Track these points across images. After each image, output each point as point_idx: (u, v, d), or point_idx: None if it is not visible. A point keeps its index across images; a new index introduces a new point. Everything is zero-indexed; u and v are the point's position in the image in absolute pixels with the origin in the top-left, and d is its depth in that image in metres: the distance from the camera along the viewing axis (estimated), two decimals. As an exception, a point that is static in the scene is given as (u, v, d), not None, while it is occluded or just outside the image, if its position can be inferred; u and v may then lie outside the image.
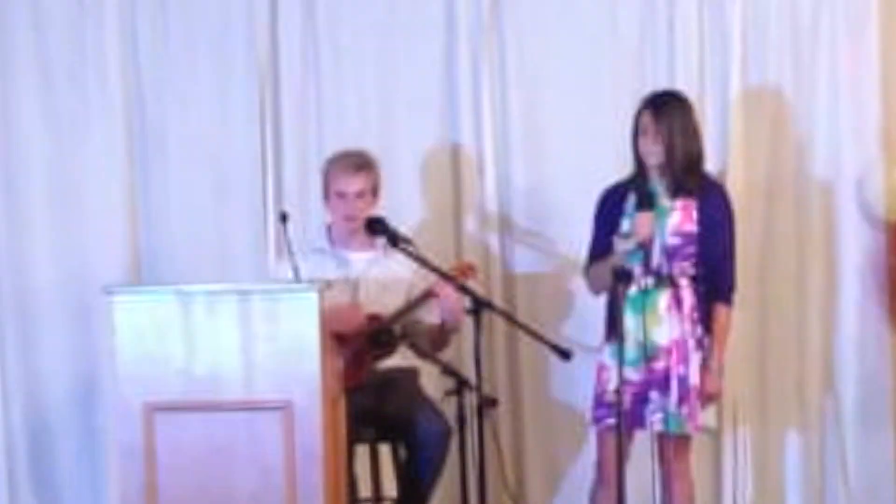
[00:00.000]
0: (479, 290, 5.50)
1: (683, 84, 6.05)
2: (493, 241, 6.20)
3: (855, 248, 6.16)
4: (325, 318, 4.63)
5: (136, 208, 6.26)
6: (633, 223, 5.11)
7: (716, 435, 6.03)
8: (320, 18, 6.22)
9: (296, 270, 5.13)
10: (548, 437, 6.16)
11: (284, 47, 6.23)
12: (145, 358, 4.53)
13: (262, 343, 4.53)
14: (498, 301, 5.83)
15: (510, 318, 5.31)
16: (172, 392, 4.52)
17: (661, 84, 6.07)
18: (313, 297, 4.57)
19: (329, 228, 5.55)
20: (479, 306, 5.00)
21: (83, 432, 6.22)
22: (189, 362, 4.53)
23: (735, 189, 6.01)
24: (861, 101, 6.13)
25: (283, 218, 5.23)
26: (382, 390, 5.32)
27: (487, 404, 4.83)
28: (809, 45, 6.14)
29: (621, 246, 5.09)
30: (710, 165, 5.86)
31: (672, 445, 5.22)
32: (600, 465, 5.25)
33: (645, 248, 5.10)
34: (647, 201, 5.14)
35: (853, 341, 6.15)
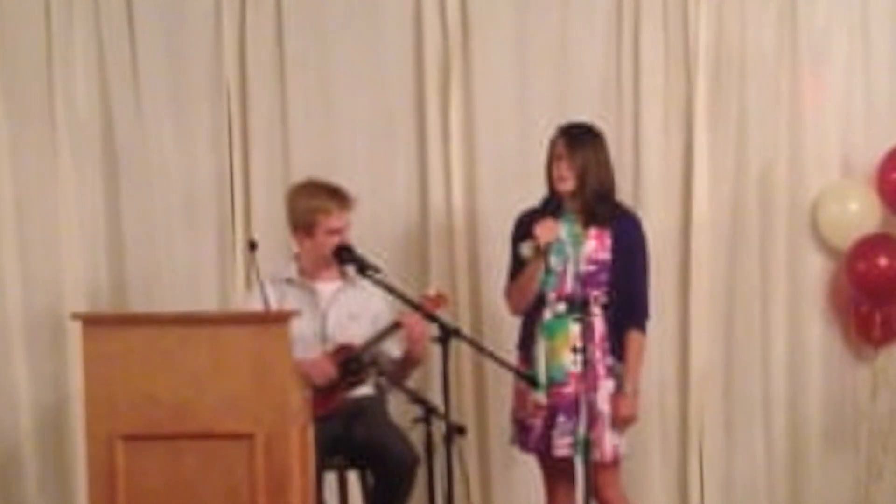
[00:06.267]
0: (447, 316, 5.51)
1: (649, 109, 6.13)
2: (461, 267, 6.22)
3: (816, 271, 6.23)
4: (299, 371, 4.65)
5: (106, 236, 6.26)
6: (535, 227, 5.13)
7: (682, 453, 6.10)
8: (288, 45, 6.24)
9: (265, 299, 5.13)
10: (514, 465, 6.16)
11: (252, 74, 6.24)
12: (114, 386, 4.50)
13: (230, 372, 4.51)
14: (465, 327, 5.85)
15: (477, 346, 5.31)
16: (141, 420, 4.50)
17: (628, 110, 6.14)
18: (282, 326, 4.58)
19: (298, 258, 5.52)
20: (447, 334, 5.01)
21: (51, 460, 6.21)
22: (157, 390, 4.50)
23: (700, 211, 6.08)
24: (823, 129, 6.20)
25: (252, 246, 5.22)
26: (351, 418, 5.30)
27: (455, 432, 4.83)
28: (772, 73, 6.21)
29: (522, 250, 5.14)
30: (675, 189, 5.95)
31: (600, 473, 5.22)
32: (548, 490, 5.38)
33: (544, 254, 5.10)
34: (554, 212, 5.19)
35: (817, 363, 6.22)
